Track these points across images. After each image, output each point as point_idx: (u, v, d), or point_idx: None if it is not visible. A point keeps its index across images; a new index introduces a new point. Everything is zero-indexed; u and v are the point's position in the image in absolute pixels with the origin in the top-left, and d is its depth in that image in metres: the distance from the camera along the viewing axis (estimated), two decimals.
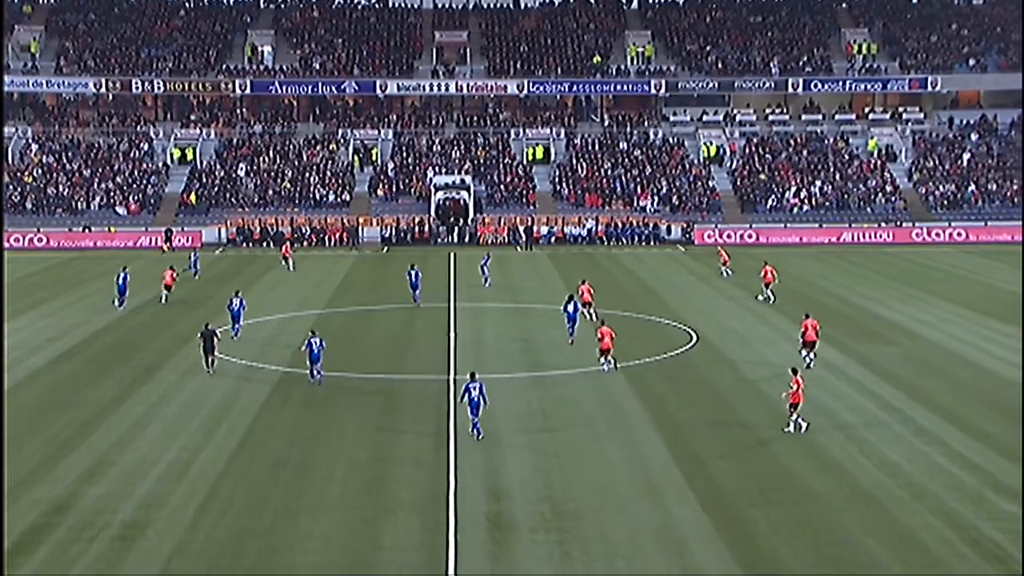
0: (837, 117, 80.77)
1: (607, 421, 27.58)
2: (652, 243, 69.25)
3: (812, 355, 33.00)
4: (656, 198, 73.43)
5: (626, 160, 77.11)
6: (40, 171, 74.02)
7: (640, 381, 31.58)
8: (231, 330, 37.48)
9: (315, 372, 30.98)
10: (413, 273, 44.54)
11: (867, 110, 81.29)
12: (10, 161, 75.20)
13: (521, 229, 68.78)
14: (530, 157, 77.81)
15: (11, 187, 72.17)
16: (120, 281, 43.96)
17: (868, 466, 23.93)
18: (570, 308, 36.85)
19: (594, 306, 39.80)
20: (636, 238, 69.78)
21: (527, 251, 65.79)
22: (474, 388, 25.74)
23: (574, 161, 76.90)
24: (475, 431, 25.69)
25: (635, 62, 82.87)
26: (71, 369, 33.35)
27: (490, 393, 30.13)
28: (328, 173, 75.11)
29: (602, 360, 32.63)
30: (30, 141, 76.75)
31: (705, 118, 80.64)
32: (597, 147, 78.41)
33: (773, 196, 73.81)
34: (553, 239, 69.48)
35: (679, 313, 42.73)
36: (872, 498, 21.97)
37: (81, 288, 50.29)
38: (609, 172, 75.85)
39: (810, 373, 32.35)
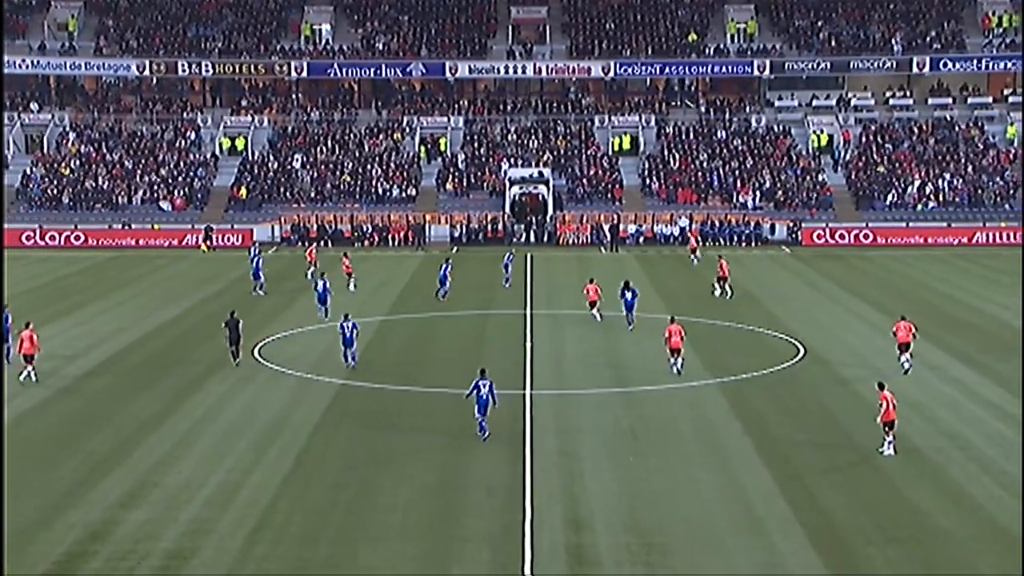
0: (970, 100, 79.22)
1: (702, 443, 27.39)
2: (753, 244, 68.65)
3: (909, 356, 33.78)
4: (758, 193, 72.77)
5: (724, 151, 76.54)
6: (78, 162, 75.79)
7: (740, 399, 31.33)
8: (320, 313, 42.32)
9: (349, 357, 34.44)
10: (444, 266, 47.86)
11: (1006, 92, 79.53)
12: (46, 151, 77.17)
13: (606, 228, 68.62)
14: (616, 147, 77.62)
15: (47, 179, 74.04)
16: (254, 266, 49.50)
17: (1007, 501, 23.37)
18: (628, 295, 40.82)
19: (599, 306, 41.93)
20: (735, 238, 69.22)
21: (612, 252, 65.66)
22: (484, 386, 27.16)
23: (665, 152, 76.55)
24: (481, 431, 27.14)
25: (736, 40, 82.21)
26: (109, 381, 34.02)
27: (572, 410, 30.24)
28: (392, 165, 75.76)
29: (672, 361, 33.71)
30: (67, 129, 78.64)
31: (815, 103, 79.72)
32: (692, 136, 77.95)
33: (893, 191, 72.65)
34: (641, 239, 69.23)
35: (784, 322, 42.33)
36: (1013, 539, 21.42)
37: (121, 291, 51.34)
38: (705, 164, 75.35)
39: (934, 391, 31.81)
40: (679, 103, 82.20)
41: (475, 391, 27.31)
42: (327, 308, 42.63)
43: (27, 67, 79.96)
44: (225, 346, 35.50)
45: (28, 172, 74.78)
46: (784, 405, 30.95)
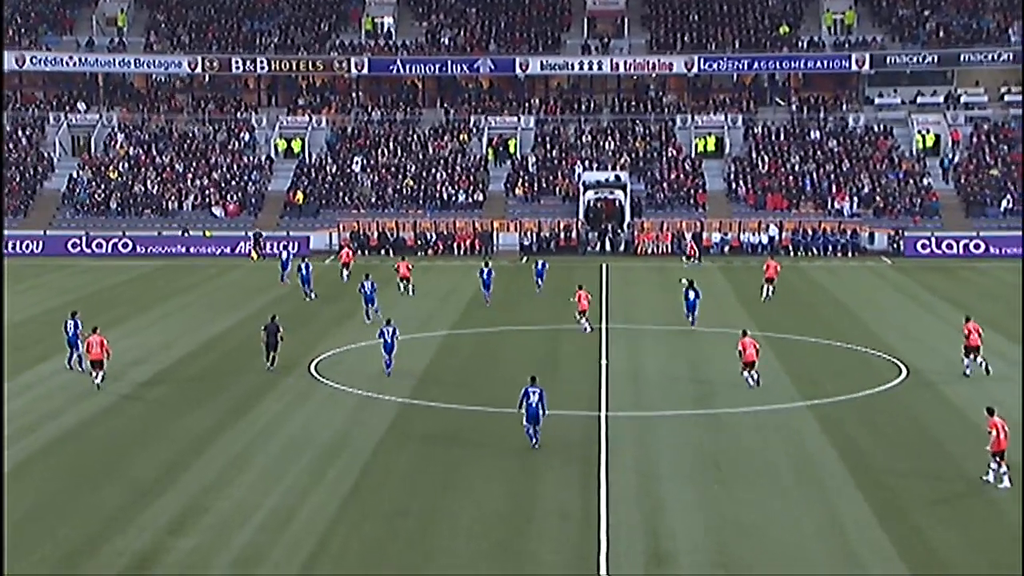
0: None
1: (794, 471, 27.13)
2: (851, 254, 67.98)
3: (981, 360, 35.56)
4: (856, 199, 72.03)
5: (818, 153, 75.88)
6: (127, 165, 77.08)
7: (835, 424, 31.00)
8: (364, 315, 45.16)
9: (388, 363, 36.21)
10: (486, 271, 50.46)
11: None
12: (93, 153, 78.60)
13: (688, 236, 68.34)
14: (700, 149, 77.31)
15: (94, 183, 75.37)
16: (304, 272, 52.08)
17: None
18: (690, 295, 44.49)
19: (587, 315, 43.65)
20: (830, 248, 68.61)
21: (695, 262, 65.35)
22: (534, 393, 28.24)
23: (753, 154, 76.05)
24: (534, 442, 28.27)
25: (832, 32, 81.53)
26: (158, 398, 34.51)
27: (651, 433, 30.10)
28: (458, 168, 76.10)
29: (745, 374, 34.49)
30: (115, 130, 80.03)
31: (920, 100, 78.79)
32: (782, 137, 77.38)
33: (1008, 197, 71.48)
34: (727, 248, 68.89)
35: (884, 340, 41.86)
36: None
37: (171, 301, 52.08)
38: (797, 167, 74.74)
39: None
40: (768, 101, 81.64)
41: (524, 399, 28.24)
42: (374, 309, 45.42)
43: (74, 64, 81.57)
44: (261, 349, 37.35)
45: (75, 175, 76.21)
46: (884, 430, 30.55)
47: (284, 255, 57.92)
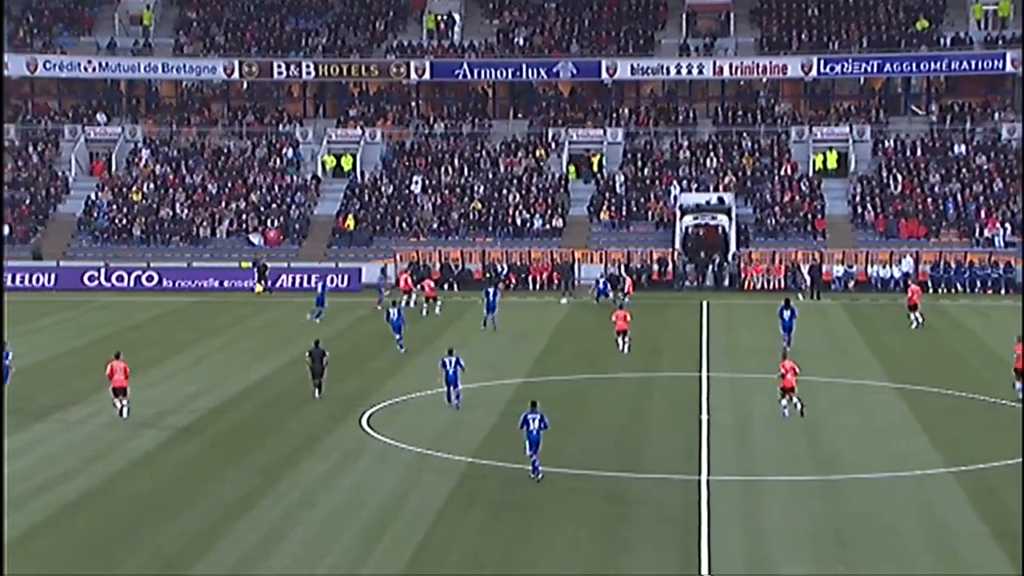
0: None
1: (934, 551, 26.77)
2: (1004, 291, 67.11)
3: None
4: (1010, 226, 71.18)
5: (964, 171, 75.17)
6: (152, 185, 78.22)
7: (986, 495, 30.53)
8: (398, 345, 48.92)
9: (453, 396, 38.95)
10: (491, 291, 55.53)
11: None
12: (114, 172, 79.83)
13: (804, 269, 67.99)
14: (819, 166, 76.93)
15: (115, 207, 76.53)
16: (320, 291, 58.63)
17: None
18: (786, 315, 48.00)
19: (628, 335, 48.04)
20: (978, 284, 67.78)
21: (813, 300, 64.94)
22: (533, 420, 30.85)
23: (884, 172, 75.53)
24: (534, 471, 30.77)
25: (982, 25, 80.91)
26: (186, 456, 34.78)
27: (761, 502, 29.85)
28: (534, 189, 76.32)
29: (783, 402, 36.95)
30: (140, 146, 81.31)
31: None
32: (919, 152, 76.80)
33: None
34: (852, 283, 68.38)
35: None
36: None
37: (202, 344, 52.64)
38: (937, 188, 74.11)
39: None
40: (903, 110, 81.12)
41: (524, 426, 30.95)
42: (402, 339, 49.21)
43: (94, 70, 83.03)
44: (308, 377, 40.80)
45: (93, 198, 77.42)
46: None
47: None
